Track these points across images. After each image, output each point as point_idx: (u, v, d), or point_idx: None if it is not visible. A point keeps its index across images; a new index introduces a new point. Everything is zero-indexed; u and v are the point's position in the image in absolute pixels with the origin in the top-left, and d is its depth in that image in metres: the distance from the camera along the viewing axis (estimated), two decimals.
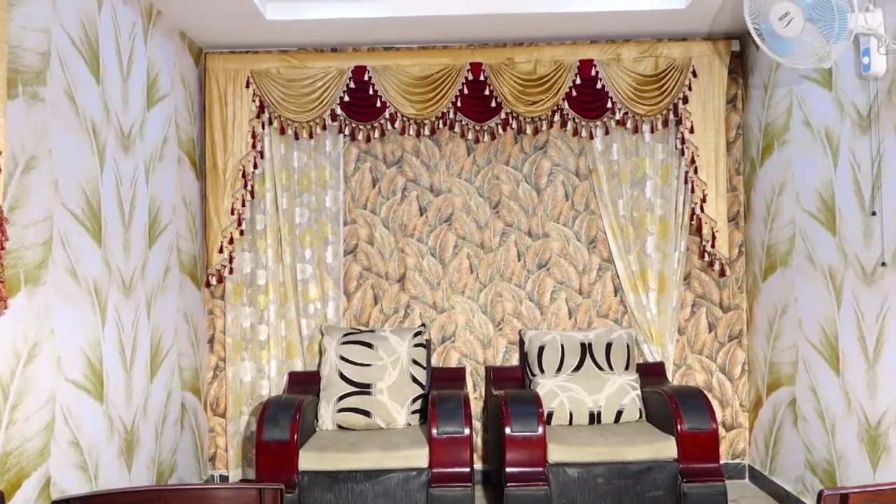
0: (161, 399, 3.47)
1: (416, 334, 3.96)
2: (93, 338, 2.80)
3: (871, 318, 2.98)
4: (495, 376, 4.07)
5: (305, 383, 4.02)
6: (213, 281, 4.07)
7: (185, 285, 3.83)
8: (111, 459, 2.93)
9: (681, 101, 4.06)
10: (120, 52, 3.12)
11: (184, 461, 3.75)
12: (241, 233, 4.12)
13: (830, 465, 3.33)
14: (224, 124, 4.06)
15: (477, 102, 4.09)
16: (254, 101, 4.08)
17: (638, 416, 3.79)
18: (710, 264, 4.17)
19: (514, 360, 4.23)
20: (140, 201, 3.28)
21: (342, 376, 3.83)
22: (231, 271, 4.11)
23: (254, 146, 4.08)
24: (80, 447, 2.69)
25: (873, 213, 2.94)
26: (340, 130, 4.19)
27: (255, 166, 4.12)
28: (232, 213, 4.05)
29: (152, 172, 3.43)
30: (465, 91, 4.07)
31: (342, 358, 3.86)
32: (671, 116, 4.10)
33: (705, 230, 4.08)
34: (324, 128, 4.15)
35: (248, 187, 4.09)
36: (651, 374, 4.03)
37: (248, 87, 4.06)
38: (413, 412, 3.81)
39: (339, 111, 4.10)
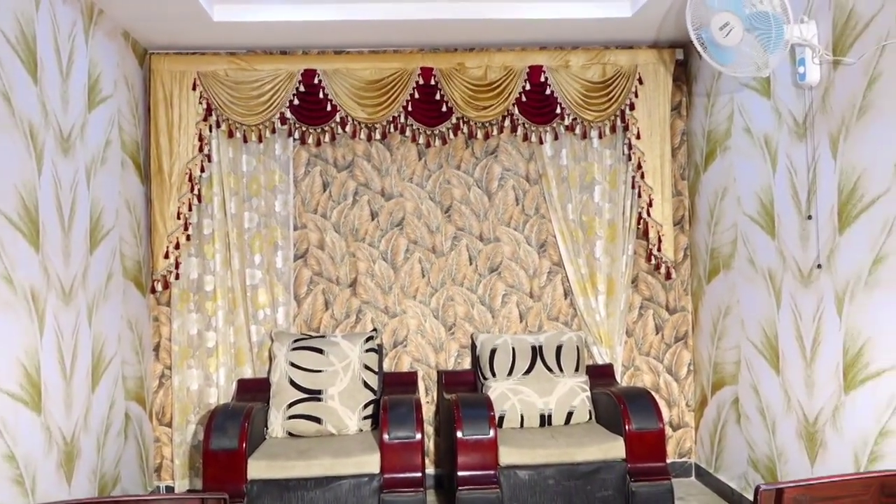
0: (103, 409, 3.37)
1: (368, 339, 3.94)
2: (30, 347, 2.71)
3: (808, 319, 3.09)
4: (447, 380, 4.08)
5: (255, 391, 3.96)
6: (159, 287, 3.97)
7: (129, 292, 3.73)
8: (49, 472, 2.83)
9: (628, 108, 4.15)
10: (59, 52, 3.02)
11: (128, 472, 3.65)
12: (188, 238, 4.04)
13: (771, 462, 3.44)
14: (170, 127, 3.97)
15: (428, 107, 4.09)
16: (201, 103, 4.00)
17: (588, 417, 3.85)
18: (657, 267, 4.27)
19: (466, 364, 4.24)
20: (81, 205, 3.18)
21: (292, 383, 3.78)
22: (177, 277, 4.02)
23: (201, 149, 4.00)
24: (15, 460, 2.59)
25: (809, 217, 3.06)
26: (290, 134, 4.14)
27: (203, 170, 4.04)
28: (178, 218, 3.96)
29: (94, 176, 3.33)
30: (417, 96, 4.07)
31: (292, 364, 3.82)
32: (618, 122, 4.19)
33: (652, 234, 4.17)
34: (273, 131, 4.10)
35: (195, 191, 4.01)
36: (600, 375, 4.10)
37: (194, 89, 3.99)
38: (365, 418, 3.79)
39: (288, 114, 4.06)
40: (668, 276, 4.25)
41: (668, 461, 4.17)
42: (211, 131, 4.06)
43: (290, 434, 3.74)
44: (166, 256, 3.95)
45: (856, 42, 2.73)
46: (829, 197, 2.93)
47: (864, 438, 2.75)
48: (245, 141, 4.10)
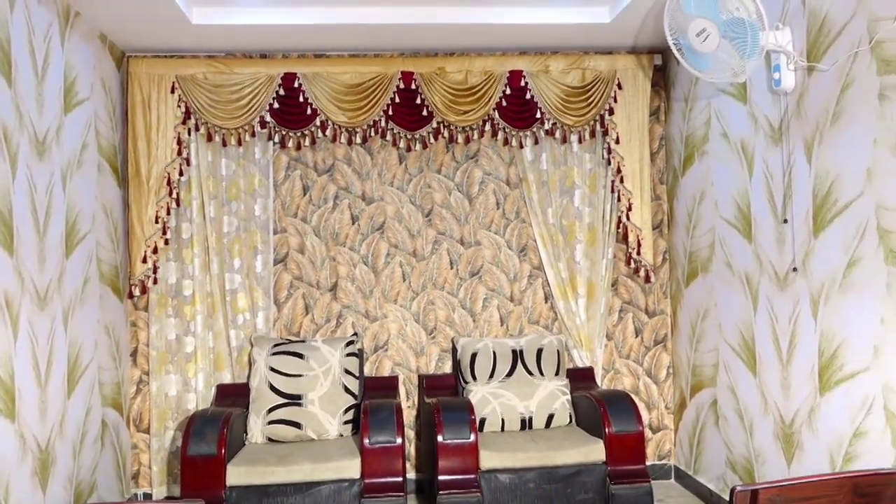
0: (79, 416, 3.32)
1: (349, 343, 3.93)
2: (3, 353, 2.66)
3: (784, 321, 3.13)
4: (428, 384, 4.08)
5: (234, 396, 3.93)
6: (137, 292, 3.93)
7: (106, 297, 3.69)
8: (23, 481, 2.78)
9: (607, 113, 4.18)
10: (34, 54, 2.99)
11: (104, 480, 3.60)
12: (166, 242, 4.00)
13: (749, 463, 3.47)
14: (148, 130, 3.94)
15: (408, 111, 4.10)
16: (179, 106, 3.97)
17: (568, 420, 3.86)
18: (636, 271, 4.30)
19: (447, 368, 4.24)
20: (56, 210, 3.14)
21: (272, 388, 3.75)
22: (155, 281, 3.98)
23: (179, 153, 3.97)
24: None
25: (785, 221, 3.10)
26: (270, 138, 4.12)
27: (181, 173, 4.01)
28: (156, 222, 3.93)
29: (70, 180, 3.29)
30: (397, 100, 4.07)
31: (272, 369, 3.79)
32: (598, 127, 4.21)
33: (631, 238, 4.20)
34: (253, 135, 4.08)
35: (174, 195, 3.98)
36: (581, 378, 4.11)
37: (173, 92, 3.96)
38: (345, 422, 3.77)
39: (268, 118, 4.04)
40: (647, 279, 4.28)
41: (648, 463, 4.20)
42: (190, 135, 4.03)
43: (270, 439, 3.71)
44: (144, 261, 3.91)
45: (829, 49, 2.78)
46: (804, 201, 2.97)
47: (839, 439, 2.78)
48: (224, 144, 4.07)
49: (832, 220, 2.79)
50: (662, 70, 4.34)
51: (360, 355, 4.00)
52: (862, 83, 2.61)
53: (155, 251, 3.94)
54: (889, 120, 2.48)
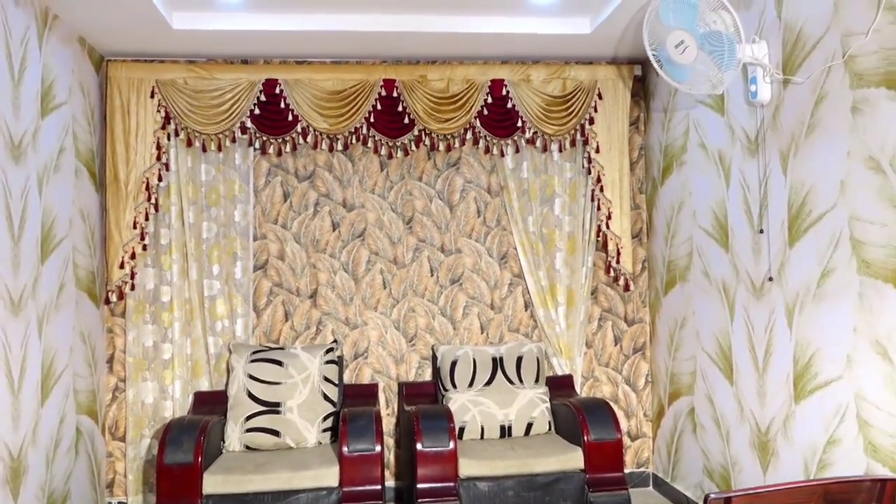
0: (53, 423, 3.28)
1: (328, 351, 3.91)
2: None
3: (760, 330, 3.16)
4: (408, 392, 4.07)
5: (212, 404, 3.90)
6: (113, 298, 3.89)
7: (82, 302, 3.65)
8: None
9: (587, 122, 4.21)
10: (11, 57, 2.95)
11: (78, 489, 3.55)
12: (144, 247, 3.97)
13: (726, 471, 3.50)
14: (126, 135, 3.90)
15: (390, 118, 4.10)
16: (159, 111, 3.95)
17: (547, 428, 3.87)
18: (616, 279, 4.33)
19: (427, 376, 4.24)
20: (32, 214, 3.10)
21: (250, 395, 3.73)
22: (133, 287, 3.94)
23: (158, 158, 3.94)
24: None
25: (761, 231, 3.14)
26: (251, 143, 4.11)
27: (160, 179, 3.98)
28: (134, 227, 3.89)
29: (46, 184, 3.25)
30: (379, 107, 4.08)
31: (251, 376, 3.77)
32: (578, 136, 4.25)
33: (611, 246, 4.23)
34: (233, 140, 4.06)
35: (153, 200, 3.95)
36: (560, 386, 4.13)
37: (152, 96, 3.93)
38: (324, 430, 3.75)
39: (249, 124, 4.02)
40: (626, 287, 4.31)
41: (626, 471, 4.22)
42: (169, 140, 4.01)
43: (248, 447, 3.68)
44: (121, 266, 3.87)
45: (804, 62, 2.83)
46: (779, 212, 3.01)
47: (814, 447, 2.82)
48: (204, 150, 4.05)
49: (807, 230, 2.83)
50: (642, 81, 4.38)
51: (339, 363, 3.99)
52: (836, 96, 2.65)
53: (133, 257, 3.90)
54: (862, 133, 2.52)
